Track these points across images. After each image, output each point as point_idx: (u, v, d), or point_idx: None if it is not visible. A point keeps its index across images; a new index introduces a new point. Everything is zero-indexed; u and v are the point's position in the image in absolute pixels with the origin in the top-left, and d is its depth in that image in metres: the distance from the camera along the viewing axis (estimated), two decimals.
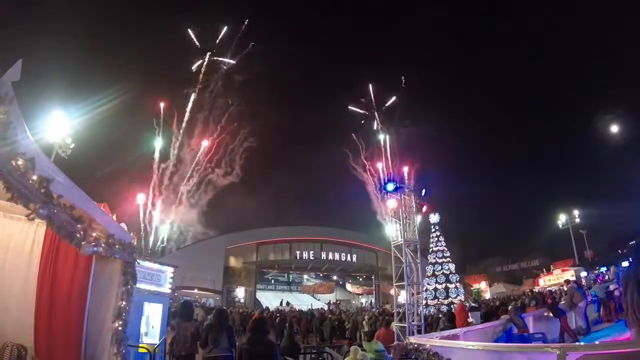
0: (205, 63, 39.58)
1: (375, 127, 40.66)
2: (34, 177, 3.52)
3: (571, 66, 70.36)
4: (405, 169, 35.17)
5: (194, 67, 39.53)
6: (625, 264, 27.25)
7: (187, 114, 38.40)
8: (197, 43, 39.15)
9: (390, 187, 15.41)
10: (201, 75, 39.46)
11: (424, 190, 16.44)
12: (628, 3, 46.07)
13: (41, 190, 3.54)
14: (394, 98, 40.44)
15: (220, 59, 40.17)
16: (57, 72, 35.77)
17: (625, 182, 49.20)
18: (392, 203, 16.24)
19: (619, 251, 42.57)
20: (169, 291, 11.69)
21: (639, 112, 44.31)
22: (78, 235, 4.20)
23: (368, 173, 41.42)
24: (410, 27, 78.22)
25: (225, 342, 6.72)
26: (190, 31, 38.99)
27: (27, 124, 3.78)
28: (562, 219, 45.68)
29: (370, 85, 41.12)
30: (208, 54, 39.60)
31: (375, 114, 40.38)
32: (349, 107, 42.01)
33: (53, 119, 18.58)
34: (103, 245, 4.72)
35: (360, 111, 41.30)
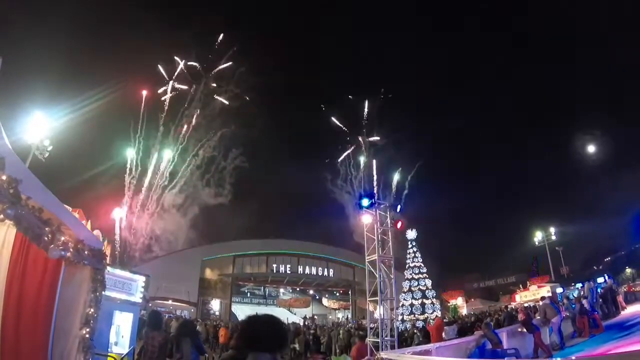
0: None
1: (356, 145, 41.04)
2: (3, 177, 3.48)
3: (549, 86, 71.97)
4: (382, 186, 35.53)
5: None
6: (600, 280, 27.86)
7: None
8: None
9: (365, 202, 15.44)
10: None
11: (399, 206, 16.57)
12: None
13: (10, 190, 3.50)
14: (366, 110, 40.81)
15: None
16: (39, 74, 35.38)
17: (600, 200, 50.47)
18: (367, 219, 16.22)
19: (594, 267, 43.54)
20: (140, 300, 11.51)
21: (613, 134, 45.54)
22: (46, 238, 4.15)
23: (347, 188, 41.74)
24: (397, 51, 79.20)
25: (191, 351, 6.68)
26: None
27: (6, 124, 3.75)
28: (538, 236, 46.49)
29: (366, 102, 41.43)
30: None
31: (362, 138, 40.73)
32: (334, 118, 42.30)
33: (33, 120, 18.27)
34: (72, 250, 4.67)
35: (345, 128, 41.64)
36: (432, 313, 29.25)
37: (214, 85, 40.83)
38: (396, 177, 40.63)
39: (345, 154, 41.44)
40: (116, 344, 9.92)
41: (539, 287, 40.08)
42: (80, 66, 46.78)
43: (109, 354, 8.69)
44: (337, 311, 54.98)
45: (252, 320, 2.90)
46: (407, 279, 31.87)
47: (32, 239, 4.17)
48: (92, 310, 5.36)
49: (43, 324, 4.81)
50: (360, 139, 40.33)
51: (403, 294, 30.82)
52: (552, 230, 45.67)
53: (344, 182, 42.12)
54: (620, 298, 20.03)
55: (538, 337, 12.31)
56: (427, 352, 10.38)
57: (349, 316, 50.29)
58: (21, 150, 16.88)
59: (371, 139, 39.24)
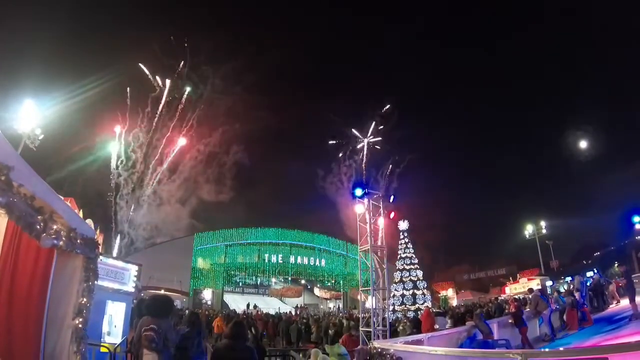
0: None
1: (350, 137, 40.86)
2: None
3: (540, 84, 72.28)
4: (375, 177, 35.51)
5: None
6: (589, 273, 28.12)
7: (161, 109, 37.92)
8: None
9: (359, 192, 15.46)
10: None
11: (392, 197, 16.60)
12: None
13: (1, 177, 3.42)
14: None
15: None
16: (30, 62, 34.90)
17: (590, 195, 51.04)
18: (360, 208, 16.22)
19: (584, 261, 44.03)
20: (133, 290, 11.47)
21: (604, 130, 45.98)
22: (38, 226, 4.07)
23: (340, 178, 41.72)
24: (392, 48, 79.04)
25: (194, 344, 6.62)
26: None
27: None
28: (529, 229, 46.92)
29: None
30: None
31: (356, 130, 40.46)
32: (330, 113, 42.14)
33: (24, 108, 18.04)
34: (64, 238, 4.59)
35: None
36: (423, 304, 29.45)
37: (214, 81, 40.08)
38: (389, 168, 40.61)
39: (341, 146, 41.23)
40: (109, 333, 9.89)
41: (528, 279, 40.55)
42: (73, 53, 46.24)
43: (102, 343, 8.66)
44: (328, 301, 55.24)
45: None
46: (399, 269, 31.99)
47: (24, 228, 4.09)
48: (84, 299, 5.28)
49: (35, 314, 4.74)
50: (354, 131, 40.12)
51: (394, 284, 30.96)
52: (542, 224, 46.14)
53: (337, 173, 41.98)
54: (613, 289, 20.11)
55: (524, 332, 12.39)
56: (419, 342, 10.43)
57: (340, 306, 50.56)
58: (12, 139, 16.70)
59: (367, 134, 39.09)
